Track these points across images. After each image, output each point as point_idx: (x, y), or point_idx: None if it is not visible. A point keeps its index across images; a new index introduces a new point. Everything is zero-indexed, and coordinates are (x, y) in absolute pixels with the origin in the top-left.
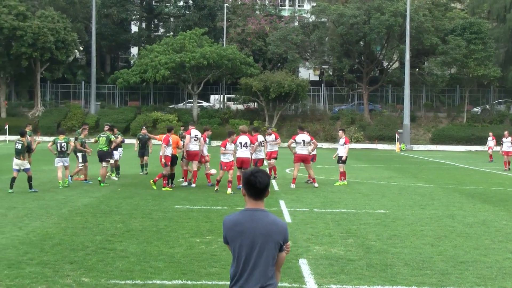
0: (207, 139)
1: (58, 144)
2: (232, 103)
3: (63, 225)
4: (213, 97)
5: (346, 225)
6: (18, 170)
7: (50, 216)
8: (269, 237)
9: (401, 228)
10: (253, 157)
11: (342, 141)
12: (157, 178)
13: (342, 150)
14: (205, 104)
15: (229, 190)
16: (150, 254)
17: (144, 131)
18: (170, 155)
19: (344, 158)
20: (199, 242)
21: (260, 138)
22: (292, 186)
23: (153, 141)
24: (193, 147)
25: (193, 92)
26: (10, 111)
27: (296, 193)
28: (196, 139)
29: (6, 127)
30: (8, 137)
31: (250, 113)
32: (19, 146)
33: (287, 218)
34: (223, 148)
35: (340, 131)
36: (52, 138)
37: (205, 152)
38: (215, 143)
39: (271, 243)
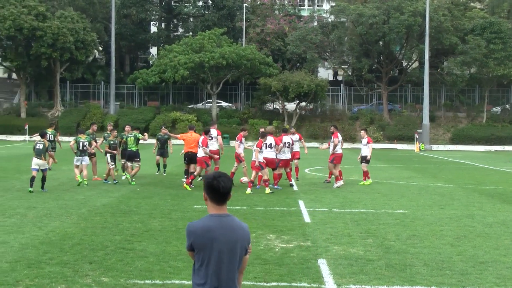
0: (243, 139)
1: (81, 143)
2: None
3: (82, 225)
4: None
5: (365, 225)
6: (38, 170)
7: (70, 216)
8: (238, 243)
9: (421, 228)
10: (277, 157)
11: (364, 141)
12: (190, 180)
13: (365, 150)
14: (224, 104)
15: (248, 190)
16: (169, 254)
17: (164, 130)
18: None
19: (368, 157)
20: None
21: (286, 139)
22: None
23: (173, 141)
24: (211, 146)
25: (212, 92)
26: (29, 111)
27: (315, 193)
28: (210, 138)
29: (26, 127)
30: (28, 137)
31: (269, 113)
32: (40, 146)
33: (306, 218)
34: (258, 148)
35: (362, 131)
36: (71, 138)
37: (241, 152)
38: (234, 143)
39: (240, 248)
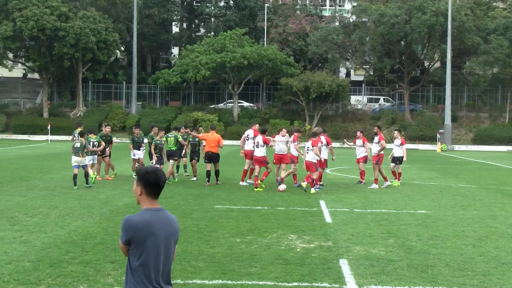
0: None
1: (91, 143)
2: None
3: (104, 225)
4: (354, 98)
5: (386, 226)
6: (78, 167)
7: (92, 215)
8: (173, 236)
9: (442, 228)
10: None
11: (398, 141)
12: (264, 177)
13: (398, 150)
14: (245, 104)
15: (312, 190)
16: (191, 253)
17: (184, 130)
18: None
19: (405, 159)
20: (239, 242)
21: (323, 139)
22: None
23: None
24: (247, 146)
25: (234, 92)
26: (52, 111)
27: (337, 193)
28: (247, 138)
29: (48, 127)
30: (50, 137)
31: (290, 113)
32: (78, 144)
33: (328, 219)
34: (315, 148)
35: (396, 132)
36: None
37: (295, 153)
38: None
39: (174, 241)
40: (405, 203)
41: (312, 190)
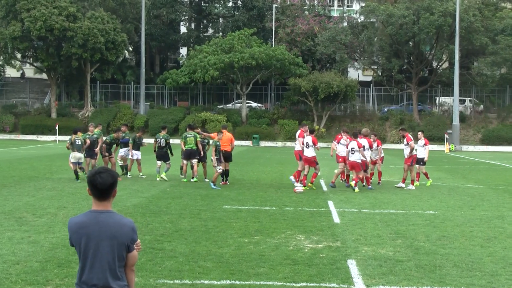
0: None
1: (77, 141)
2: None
3: None
4: (441, 100)
5: (395, 226)
6: (77, 163)
7: None
8: (114, 239)
9: (451, 229)
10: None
11: (421, 142)
12: (313, 179)
13: (422, 151)
14: (253, 104)
15: (356, 189)
16: (199, 254)
17: (196, 130)
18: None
19: (425, 159)
20: (247, 242)
21: (364, 141)
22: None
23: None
24: (296, 147)
25: (242, 92)
26: (60, 111)
27: (345, 193)
28: (307, 146)
29: (57, 127)
30: (58, 137)
31: (299, 114)
32: (79, 142)
33: (336, 219)
34: (361, 148)
35: (420, 133)
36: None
37: (342, 153)
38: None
39: (117, 245)
40: (414, 203)
41: (356, 189)
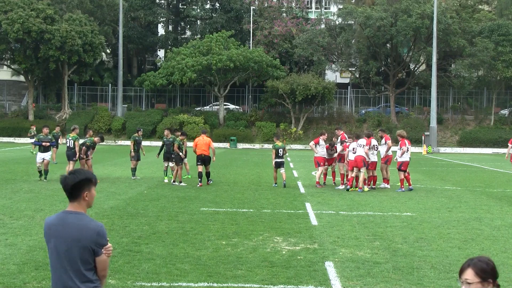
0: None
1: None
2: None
3: None
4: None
5: (372, 228)
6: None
7: None
8: (78, 242)
9: (428, 231)
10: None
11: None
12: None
13: (405, 155)
14: (231, 106)
15: (366, 188)
16: (176, 256)
17: (167, 132)
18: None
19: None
20: (225, 244)
21: (373, 141)
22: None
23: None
24: (321, 151)
25: (220, 94)
26: (37, 114)
27: (323, 195)
28: (332, 150)
29: (34, 129)
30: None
31: (276, 116)
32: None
33: (314, 221)
34: (367, 147)
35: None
36: (81, 140)
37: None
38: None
39: (81, 248)
40: (391, 205)
41: (366, 188)
